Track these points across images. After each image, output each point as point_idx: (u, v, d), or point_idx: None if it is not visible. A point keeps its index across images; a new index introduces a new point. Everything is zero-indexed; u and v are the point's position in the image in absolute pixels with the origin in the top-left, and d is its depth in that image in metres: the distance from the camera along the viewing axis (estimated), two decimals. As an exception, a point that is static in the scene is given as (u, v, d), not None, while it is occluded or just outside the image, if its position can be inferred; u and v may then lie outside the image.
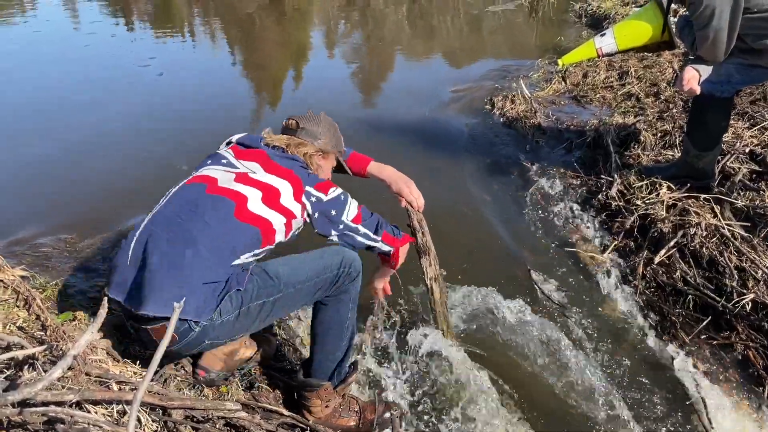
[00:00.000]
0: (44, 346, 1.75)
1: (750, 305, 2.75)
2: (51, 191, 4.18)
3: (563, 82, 5.46)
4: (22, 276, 2.42)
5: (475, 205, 3.83)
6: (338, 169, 2.55)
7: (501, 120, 4.91)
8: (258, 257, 2.11)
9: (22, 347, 1.71)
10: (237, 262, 2.01)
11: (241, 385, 2.31)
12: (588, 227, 3.53)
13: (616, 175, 3.71)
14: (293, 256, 2.16)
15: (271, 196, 2.10)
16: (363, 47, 8.39)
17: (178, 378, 2.17)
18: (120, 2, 11.89)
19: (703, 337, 2.80)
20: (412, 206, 2.56)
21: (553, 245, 3.45)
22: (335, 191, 2.22)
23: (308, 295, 2.14)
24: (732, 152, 3.61)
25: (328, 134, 2.43)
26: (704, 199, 3.29)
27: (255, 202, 2.07)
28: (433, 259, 2.58)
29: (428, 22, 9.26)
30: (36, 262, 3.11)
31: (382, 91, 6.53)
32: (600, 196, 3.66)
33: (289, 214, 2.12)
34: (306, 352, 2.60)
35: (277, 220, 2.09)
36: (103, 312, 1.65)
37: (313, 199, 2.17)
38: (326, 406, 2.29)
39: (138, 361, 2.09)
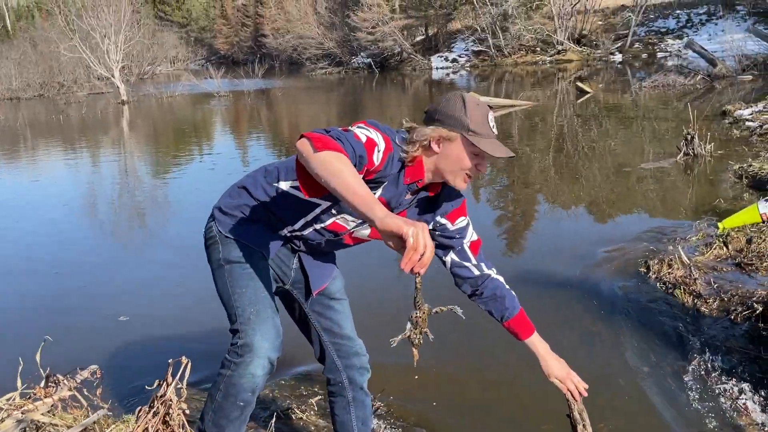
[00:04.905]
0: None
1: None
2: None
3: (725, 248, 5.28)
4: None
5: (631, 377, 3.70)
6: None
7: (657, 285, 4.79)
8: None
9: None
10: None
11: None
12: (758, 410, 3.29)
13: (789, 355, 3.47)
14: (251, 277, 2.25)
15: None
16: (508, 193, 8.65)
17: None
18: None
19: None
20: (573, 395, 2.42)
21: (718, 428, 3.23)
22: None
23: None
24: None
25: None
26: None
27: None
28: None
29: (575, 173, 9.40)
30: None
31: (527, 241, 6.65)
32: (772, 376, 3.42)
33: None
34: None
35: None
36: None
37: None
38: None
39: None
